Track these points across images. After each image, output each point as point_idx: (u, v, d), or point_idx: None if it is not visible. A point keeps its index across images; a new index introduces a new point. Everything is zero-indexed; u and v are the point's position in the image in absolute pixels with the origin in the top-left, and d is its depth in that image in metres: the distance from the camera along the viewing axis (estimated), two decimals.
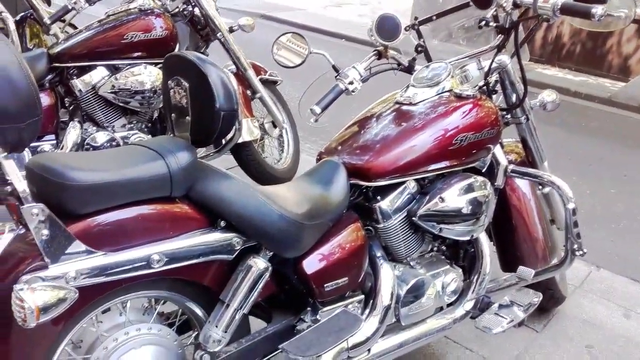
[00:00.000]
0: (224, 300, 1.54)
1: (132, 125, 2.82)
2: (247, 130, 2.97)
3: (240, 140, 2.87)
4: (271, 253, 1.58)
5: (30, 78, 1.20)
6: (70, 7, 2.76)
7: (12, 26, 3.57)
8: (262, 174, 3.22)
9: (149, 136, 2.84)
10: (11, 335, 1.29)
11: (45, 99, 2.58)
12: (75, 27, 3.51)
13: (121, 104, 2.72)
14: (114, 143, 2.73)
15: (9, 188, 1.35)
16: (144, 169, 1.36)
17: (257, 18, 6.64)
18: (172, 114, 1.54)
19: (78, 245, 1.28)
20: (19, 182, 1.22)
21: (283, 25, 8.17)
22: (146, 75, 2.69)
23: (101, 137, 2.71)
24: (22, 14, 3.61)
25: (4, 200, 1.37)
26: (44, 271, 1.24)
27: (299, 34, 2.02)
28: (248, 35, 3.25)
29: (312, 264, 1.65)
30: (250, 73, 3.03)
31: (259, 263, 1.54)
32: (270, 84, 3.31)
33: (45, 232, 1.23)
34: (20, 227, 1.30)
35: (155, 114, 2.91)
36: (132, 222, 1.36)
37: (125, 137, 2.76)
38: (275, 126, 3.35)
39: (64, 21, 3.31)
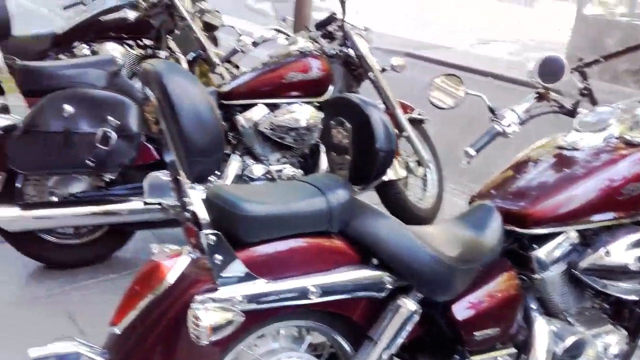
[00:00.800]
0: (372, 338, 1.55)
1: (285, 159, 2.98)
2: (394, 169, 3.00)
3: (386, 179, 2.92)
4: (421, 295, 1.57)
5: (217, 116, 1.34)
6: (238, 49, 3.02)
7: (185, 65, 3.99)
8: (405, 213, 3.22)
9: (301, 171, 2.98)
10: (179, 351, 1.40)
11: None
12: (237, 67, 3.84)
13: (277, 140, 2.90)
14: (269, 176, 2.90)
15: (187, 214, 1.50)
16: (307, 204, 1.44)
17: (402, 56, 6.75)
18: (332, 152, 1.62)
19: (245, 271, 1.38)
20: (201, 210, 1.35)
21: (429, 63, 8.19)
22: (302, 113, 2.85)
23: (258, 169, 2.90)
24: (193, 54, 4.02)
25: (183, 224, 1.52)
26: (214, 293, 1.35)
27: (455, 75, 2.03)
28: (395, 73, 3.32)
29: (462, 310, 1.62)
30: (399, 112, 3.08)
31: (408, 304, 1.54)
32: (416, 123, 3.34)
33: (218, 257, 1.34)
34: (196, 250, 1.44)
35: (307, 150, 3.06)
36: (292, 254, 1.44)
37: (279, 170, 2.93)
38: (420, 165, 3.35)
39: (230, 62, 3.63)
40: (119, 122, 2.48)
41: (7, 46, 3.13)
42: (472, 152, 1.84)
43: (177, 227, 3.02)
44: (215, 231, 1.34)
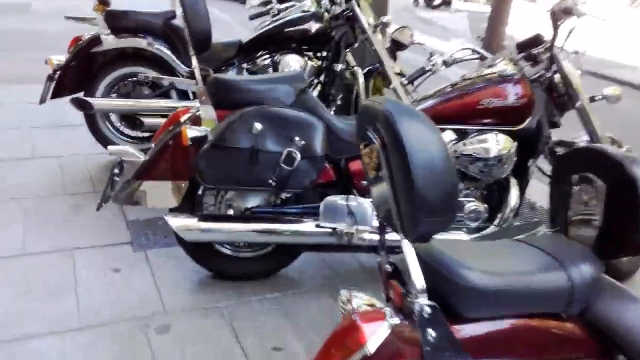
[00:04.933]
0: None
1: (468, 191, 2.71)
2: None
3: None
4: None
5: (454, 171, 1.12)
6: (427, 69, 2.79)
7: (361, 78, 3.86)
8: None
9: (485, 205, 2.69)
10: None
11: None
12: (412, 83, 3.61)
13: (461, 169, 2.63)
14: None
15: (389, 267, 1.32)
16: (543, 280, 1.18)
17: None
18: (570, 212, 1.33)
19: (460, 352, 1.15)
20: (417, 276, 1.15)
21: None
22: (494, 142, 2.56)
23: None
24: (369, 67, 3.88)
25: (382, 274, 1.32)
26: None
27: None
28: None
29: None
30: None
31: None
32: None
33: (432, 333, 1.13)
34: (401, 315, 1.24)
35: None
36: (518, 336, 1.19)
37: (460, 202, 2.67)
38: None
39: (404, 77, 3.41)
40: (304, 143, 2.39)
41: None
42: None
43: (345, 253, 2.89)
44: (433, 303, 1.13)
